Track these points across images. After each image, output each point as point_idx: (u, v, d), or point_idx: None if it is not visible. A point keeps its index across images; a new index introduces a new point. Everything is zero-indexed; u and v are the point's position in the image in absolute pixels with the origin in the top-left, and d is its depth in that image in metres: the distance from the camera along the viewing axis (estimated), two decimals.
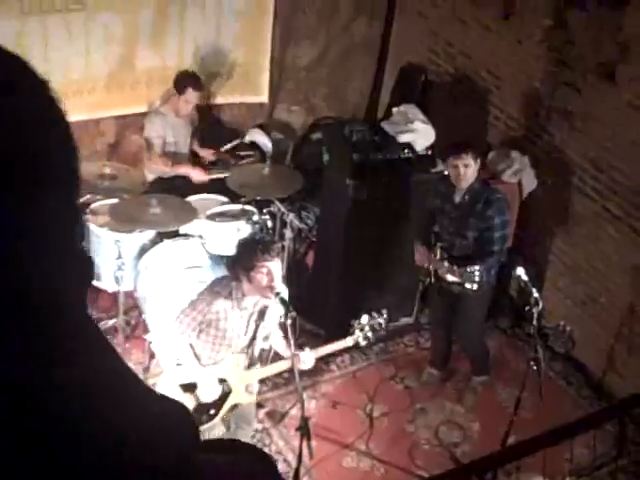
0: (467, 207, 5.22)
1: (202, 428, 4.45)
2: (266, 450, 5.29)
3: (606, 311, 5.56)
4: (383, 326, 4.74)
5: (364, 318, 4.68)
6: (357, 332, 4.65)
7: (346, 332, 4.69)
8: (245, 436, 4.94)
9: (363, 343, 4.71)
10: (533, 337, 4.91)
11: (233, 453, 1.21)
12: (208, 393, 4.41)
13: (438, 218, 5.39)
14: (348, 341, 4.65)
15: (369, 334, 4.66)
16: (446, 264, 5.15)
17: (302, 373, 4.42)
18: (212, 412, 4.47)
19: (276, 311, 4.47)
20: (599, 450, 5.15)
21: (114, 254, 5.43)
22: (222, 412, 4.52)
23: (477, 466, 3.35)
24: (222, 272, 5.34)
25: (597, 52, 5.95)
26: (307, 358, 4.48)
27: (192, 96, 6.26)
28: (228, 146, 6.93)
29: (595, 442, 4.85)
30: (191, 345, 4.34)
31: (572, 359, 6.40)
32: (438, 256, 5.32)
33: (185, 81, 6.25)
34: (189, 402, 4.37)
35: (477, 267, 4.95)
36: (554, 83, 6.39)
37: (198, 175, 6.40)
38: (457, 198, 5.27)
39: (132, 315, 5.91)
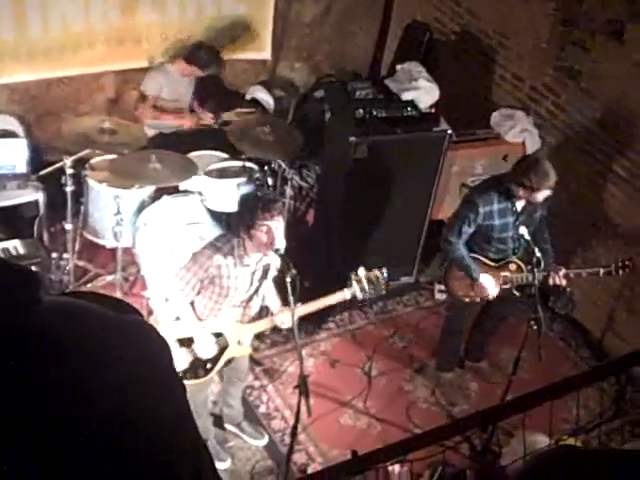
0: (531, 206, 5.01)
1: (198, 382, 4.47)
2: (263, 407, 5.32)
3: None
4: (381, 279, 4.54)
5: (361, 270, 4.53)
6: (355, 284, 4.49)
7: (344, 286, 4.55)
8: (237, 391, 4.95)
9: (360, 295, 4.52)
10: (534, 297, 4.88)
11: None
12: (205, 350, 4.40)
13: (495, 235, 5.05)
14: (345, 294, 4.50)
15: (366, 287, 4.49)
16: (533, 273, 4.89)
17: (301, 331, 4.38)
18: (209, 366, 4.47)
19: (275, 268, 4.45)
20: (597, 410, 5.17)
21: (113, 210, 5.40)
22: (218, 366, 4.51)
23: (472, 421, 3.32)
24: (222, 229, 5.32)
25: (606, 10, 5.85)
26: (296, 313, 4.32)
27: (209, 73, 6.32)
28: (228, 114, 6.83)
29: (590, 401, 4.88)
30: (191, 302, 4.32)
31: (572, 320, 6.39)
32: (514, 271, 5.13)
33: (203, 60, 6.23)
34: (186, 356, 4.38)
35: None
36: (561, 42, 6.29)
37: (189, 123, 6.39)
38: (519, 205, 5.01)
39: (130, 271, 5.88)
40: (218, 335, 4.43)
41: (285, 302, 4.38)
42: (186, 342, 4.38)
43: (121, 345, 1.08)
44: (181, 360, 4.37)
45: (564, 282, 5.06)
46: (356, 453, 2.68)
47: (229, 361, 4.60)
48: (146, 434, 1.03)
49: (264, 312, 4.72)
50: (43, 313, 0.98)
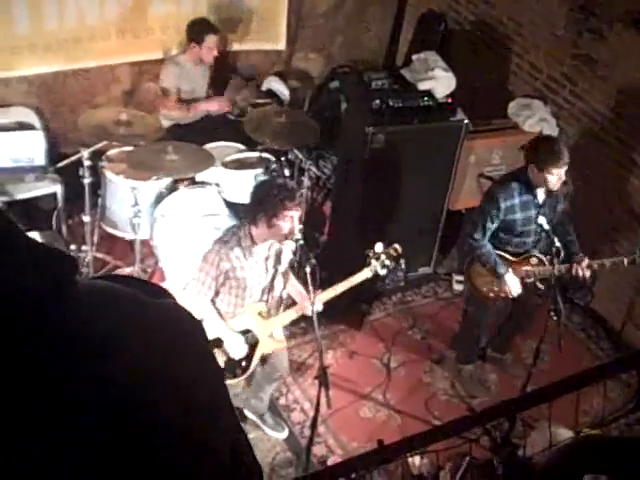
0: (552, 198, 4.99)
1: (235, 381, 4.48)
2: (283, 399, 5.31)
3: None
4: (399, 251, 4.54)
5: (378, 246, 4.50)
6: (373, 261, 4.47)
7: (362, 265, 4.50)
8: (271, 387, 4.94)
9: (382, 272, 4.50)
10: (553, 288, 4.85)
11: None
12: (235, 350, 4.39)
13: (518, 229, 5.02)
14: (366, 273, 4.48)
15: (387, 262, 4.47)
16: (558, 266, 4.88)
17: (320, 323, 4.36)
18: (244, 364, 4.46)
19: (289, 253, 4.44)
20: (618, 401, 5.14)
21: (130, 202, 5.40)
22: (254, 363, 4.50)
23: (497, 412, 3.31)
24: (239, 220, 5.31)
25: None
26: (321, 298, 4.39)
27: (212, 41, 6.20)
28: (241, 97, 6.83)
29: (611, 392, 4.85)
30: (212, 301, 4.31)
31: (592, 311, 6.36)
32: (535, 265, 5.08)
33: (201, 29, 6.18)
34: (219, 356, 4.36)
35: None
36: (578, 30, 6.23)
37: (218, 106, 6.37)
38: (540, 197, 4.96)
39: (148, 263, 5.86)
40: (246, 332, 4.42)
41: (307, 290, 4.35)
42: (217, 342, 4.36)
43: (157, 328, 1.08)
44: None
45: (587, 273, 5.01)
46: (382, 442, 2.65)
47: (265, 359, 4.60)
48: (184, 413, 1.04)
49: (288, 302, 4.73)
50: (79, 296, 0.98)
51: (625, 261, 5.01)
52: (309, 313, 4.34)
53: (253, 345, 4.45)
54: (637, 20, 5.76)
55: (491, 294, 5.21)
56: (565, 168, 4.75)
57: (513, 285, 5.06)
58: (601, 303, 6.32)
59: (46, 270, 0.94)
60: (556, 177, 4.76)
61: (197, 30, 6.17)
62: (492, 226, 4.98)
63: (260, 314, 4.45)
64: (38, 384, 0.90)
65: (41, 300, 0.92)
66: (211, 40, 6.17)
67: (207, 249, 4.30)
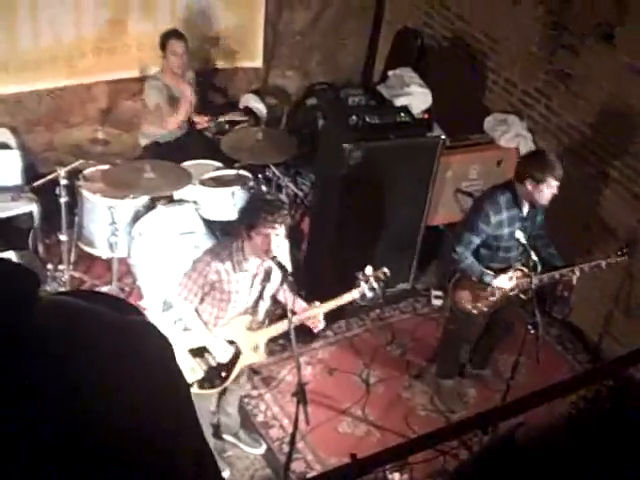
0: (533, 211, 5.02)
1: (211, 391, 4.51)
2: (261, 416, 5.29)
3: (604, 275, 5.52)
4: (388, 275, 4.65)
5: (368, 269, 4.58)
6: (362, 284, 4.54)
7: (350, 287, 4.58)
8: (235, 399, 4.94)
9: (369, 294, 4.59)
10: (531, 301, 4.87)
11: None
12: (220, 356, 4.40)
13: (502, 244, 5.02)
14: (354, 293, 4.54)
15: (374, 284, 4.55)
16: (540, 276, 4.99)
17: (298, 339, 4.36)
18: (224, 374, 4.47)
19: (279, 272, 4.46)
20: None
21: (107, 220, 5.40)
22: (234, 374, 4.51)
23: (472, 423, 3.30)
24: (216, 238, 5.32)
25: (595, 13, 5.87)
26: (321, 318, 4.47)
27: (176, 46, 6.14)
28: (225, 118, 6.85)
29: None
30: (196, 310, 4.32)
31: (569, 324, 6.39)
32: (519, 278, 5.09)
33: (165, 37, 6.17)
34: (200, 366, 4.38)
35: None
36: (552, 46, 6.30)
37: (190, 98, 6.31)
38: (525, 210, 4.98)
39: (126, 282, 5.84)
40: (230, 343, 4.43)
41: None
42: (198, 352, 4.38)
43: (123, 345, 1.07)
44: (196, 370, 4.38)
45: (574, 280, 5.12)
46: (355, 456, 2.65)
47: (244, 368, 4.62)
48: (148, 431, 1.03)
49: (270, 316, 4.75)
50: (42, 312, 0.97)
51: (603, 263, 5.12)
52: (315, 330, 4.46)
53: (236, 356, 4.45)
54: (607, 34, 5.83)
55: (475, 310, 5.22)
56: (560, 179, 4.79)
57: (505, 285, 5.09)
58: (578, 315, 6.34)
59: (6, 286, 0.94)
60: (553, 190, 4.79)
61: (163, 38, 6.17)
62: (477, 241, 4.99)
63: (247, 327, 4.46)
64: None
65: (1, 317, 0.91)
66: (174, 45, 6.13)
67: (197, 258, 4.32)
